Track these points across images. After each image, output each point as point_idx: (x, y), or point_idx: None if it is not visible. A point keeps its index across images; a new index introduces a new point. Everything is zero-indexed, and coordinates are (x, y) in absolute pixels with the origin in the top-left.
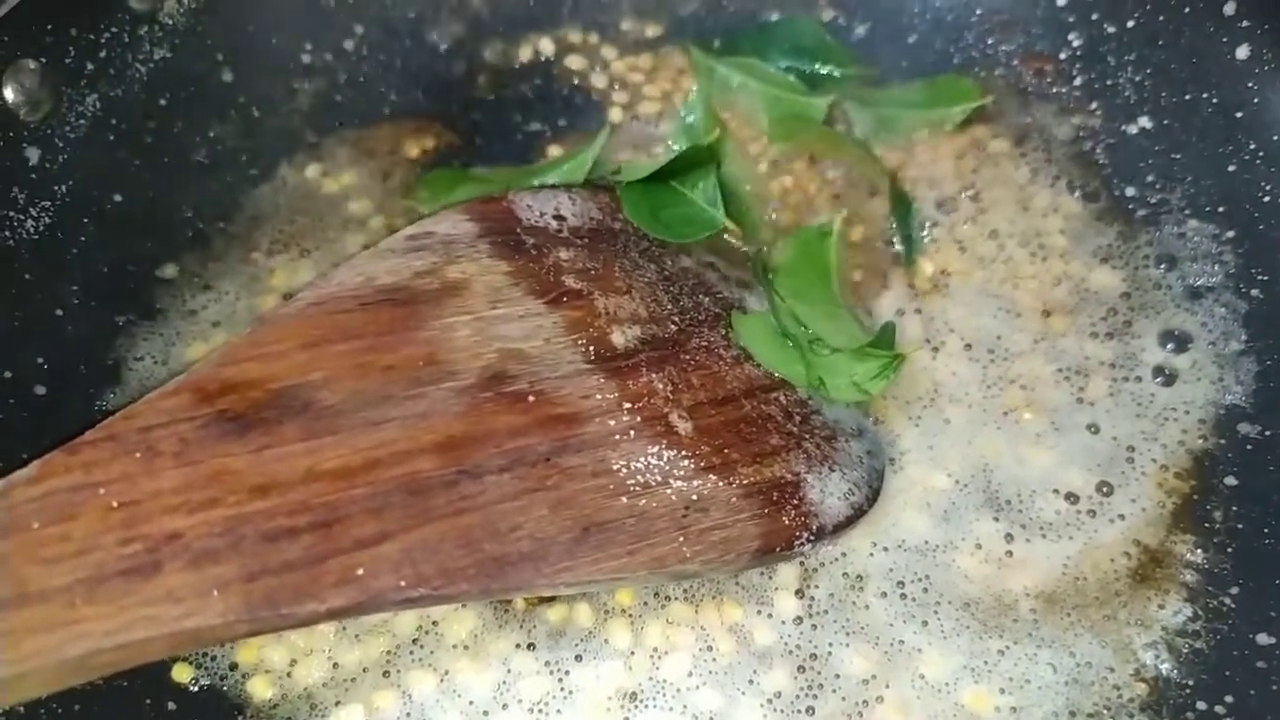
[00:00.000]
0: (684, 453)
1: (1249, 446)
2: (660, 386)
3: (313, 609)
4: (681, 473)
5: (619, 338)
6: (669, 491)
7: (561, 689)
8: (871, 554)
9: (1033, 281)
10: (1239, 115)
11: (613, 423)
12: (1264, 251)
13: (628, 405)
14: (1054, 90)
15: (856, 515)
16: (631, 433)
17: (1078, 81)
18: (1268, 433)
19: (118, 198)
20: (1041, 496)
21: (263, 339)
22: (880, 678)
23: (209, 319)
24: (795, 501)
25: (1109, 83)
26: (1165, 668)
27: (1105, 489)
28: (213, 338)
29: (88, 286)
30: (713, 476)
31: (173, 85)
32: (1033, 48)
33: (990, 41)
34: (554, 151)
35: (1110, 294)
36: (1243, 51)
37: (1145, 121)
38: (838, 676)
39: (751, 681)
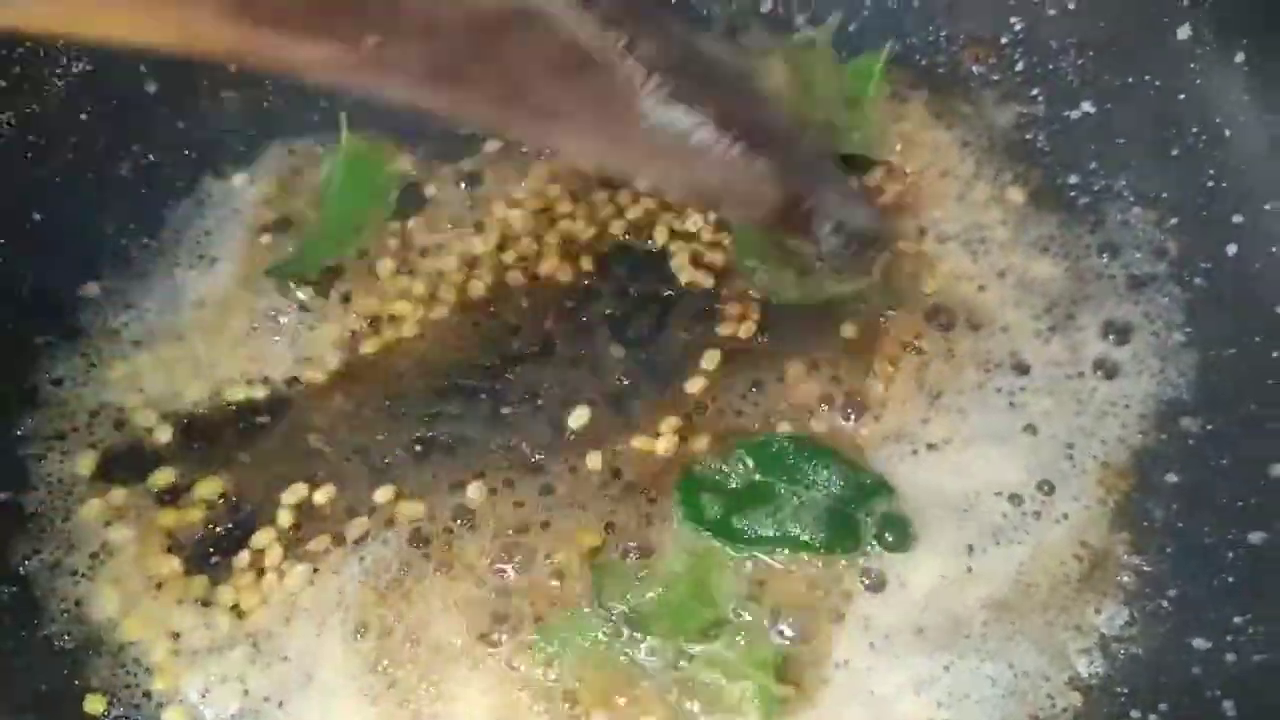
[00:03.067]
0: None
1: (1190, 441)
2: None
3: None
4: None
5: None
6: None
7: None
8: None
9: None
10: (1181, 97)
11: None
12: (1206, 238)
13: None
14: (995, 77)
15: None
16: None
17: (1019, 67)
18: (1209, 427)
19: (37, 216)
20: (986, 500)
21: None
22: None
23: (130, 338)
24: None
25: (1050, 67)
26: (1100, 675)
27: (1046, 488)
28: (134, 357)
29: (5, 307)
30: None
31: (93, 99)
32: (973, 33)
33: (930, 28)
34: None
35: (1052, 286)
36: (1183, 32)
37: (1087, 106)
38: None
39: None
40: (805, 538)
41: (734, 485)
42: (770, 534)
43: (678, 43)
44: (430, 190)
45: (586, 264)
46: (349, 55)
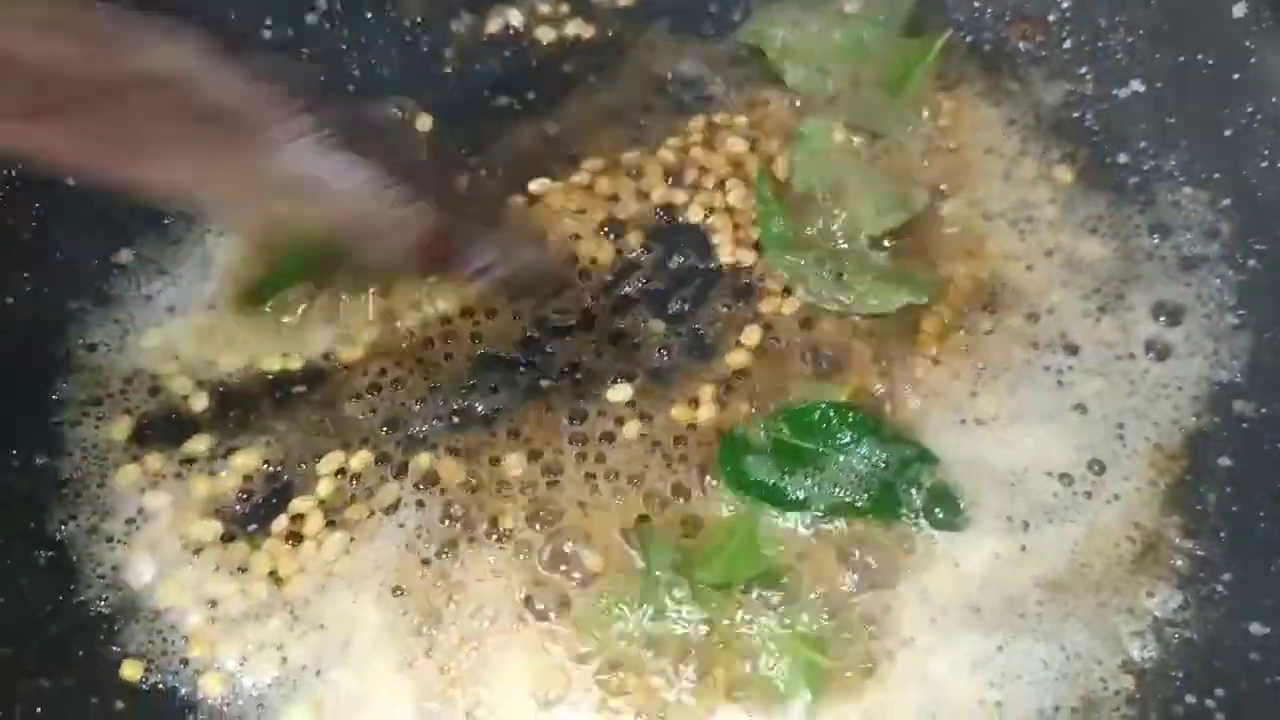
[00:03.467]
0: None
1: (1244, 425)
2: None
3: None
4: None
5: None
6: None
7: None
8: None
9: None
10: (1235, 77)
11: None
12: (1260, 220)
13: None
14: (1043, 54)
15: None
16: None
17: (1067, 45)
18: (1263, 410)
19: (70, 182)
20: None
21: None
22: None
23: (164, 304)
24: None
25: (1100, 45)
26: (1154, 659)
27: (1097, 468)
28: (168, 325)
29: (39, 274)
30: None
31: None
32: (1021, 10)
33: (978, 4)
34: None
35: (1101, 266)
36: (1239, 9)
37: (1137, 85)
38: None
39: None
40: (848, 499)
41: (776, 450)
42: (813, 497)
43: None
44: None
45: (629, 240)
46: (29, 139)
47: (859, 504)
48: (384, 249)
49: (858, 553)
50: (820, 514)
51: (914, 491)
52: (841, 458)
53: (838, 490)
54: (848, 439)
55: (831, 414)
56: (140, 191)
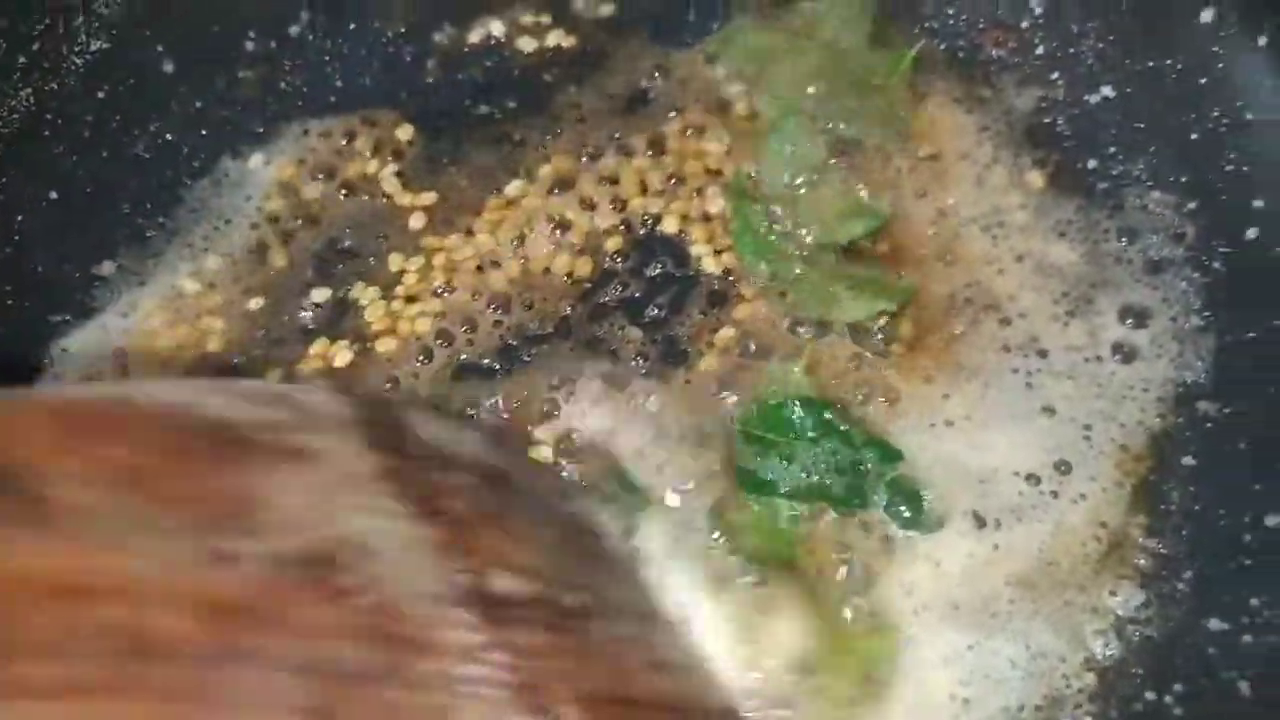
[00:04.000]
0: None
1: (1208, 425)
2: (552, 657)
3: None
4: None
5: (502, 583)
6: None
7: None
8: None
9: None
10: (1203, 81)
11: (472, 671)
12: (1225, 223)
13: (498, 659)
14: (1015, 61)
15: None
16: (493, 692)
17: (1040, 51)
18: (1226, 410)
19: (53, 194)
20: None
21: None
22: None
23: (145, 317)
24: None
25: (1071, 51)
26: (1115, 656)
27: (1064, 468)
28: (153, 338)
29: (21, 287)
30: None
31: (110, 77)
32: (994, 17)
33: (951, 11)
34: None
35: (1071, 270)
36: (1207, 15)
37: (1108, 90)
38: None
39: None
40: (816, 484)
41: (746, 441)
42: (781, 480)
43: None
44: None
45: (607, 248)
46: None
47: (827, 490)
48: None
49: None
50: (788, 497)
51: (880, 486)
52: (810, 449)
53: (806, 476)
54: (814, 434)
55: (799, 409)
56: None
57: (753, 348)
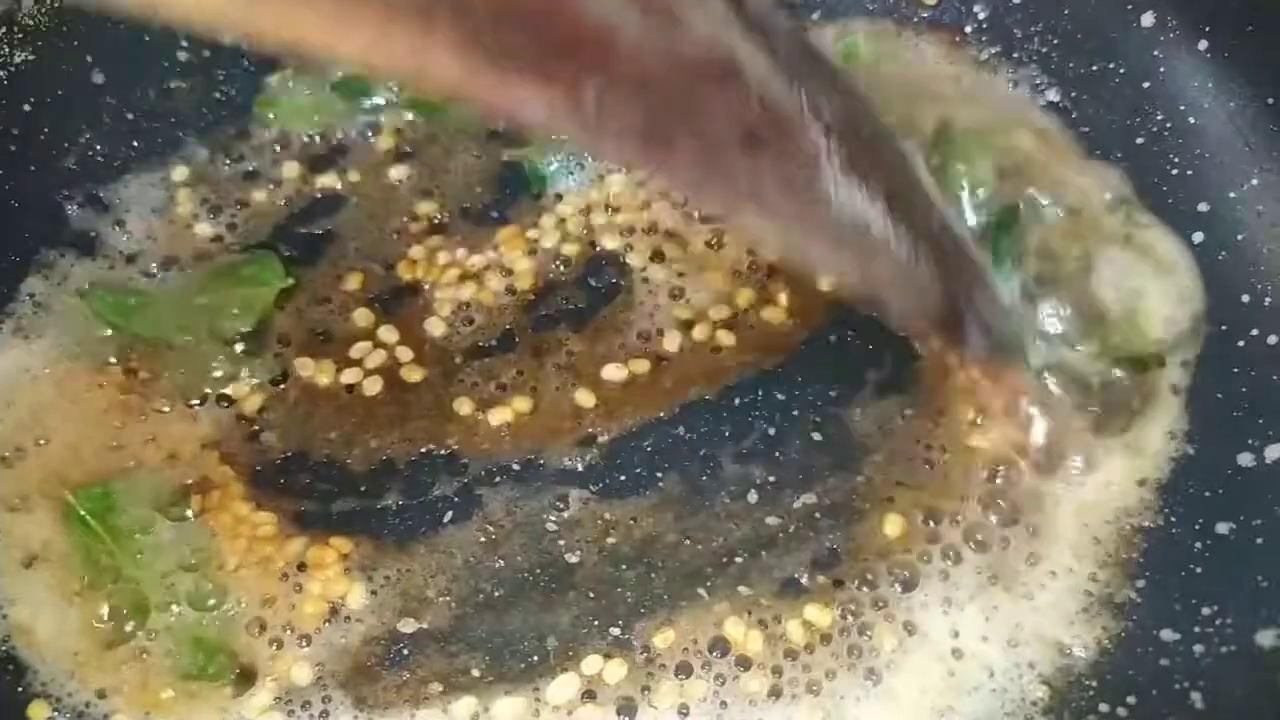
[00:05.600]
0: None
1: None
2: None
3: None
4: None
5: None
6: None
7: None
8: None
9: None
10: (1145, 85)
11: None
12: (1171, 227)
13: None
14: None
15: None
16: None
17: (983, 56)
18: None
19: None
20: None
21: None
22: None
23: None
24: None
25: (1015, 56)
26: (1067, 669)
27: None
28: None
29: None
30: None
31: (37, 90)
32: (938, 20)
33: (894, 16)
34: None
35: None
36: (1147, 19)
37: (1053, 95)
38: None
39: None
40: None
41: None
42: None
43: (844, 95)
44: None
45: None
46: (569, 102)
47: None
48: (909, 312)
49: None
50: None
51: None
52: None
53: None
54: None
55: None
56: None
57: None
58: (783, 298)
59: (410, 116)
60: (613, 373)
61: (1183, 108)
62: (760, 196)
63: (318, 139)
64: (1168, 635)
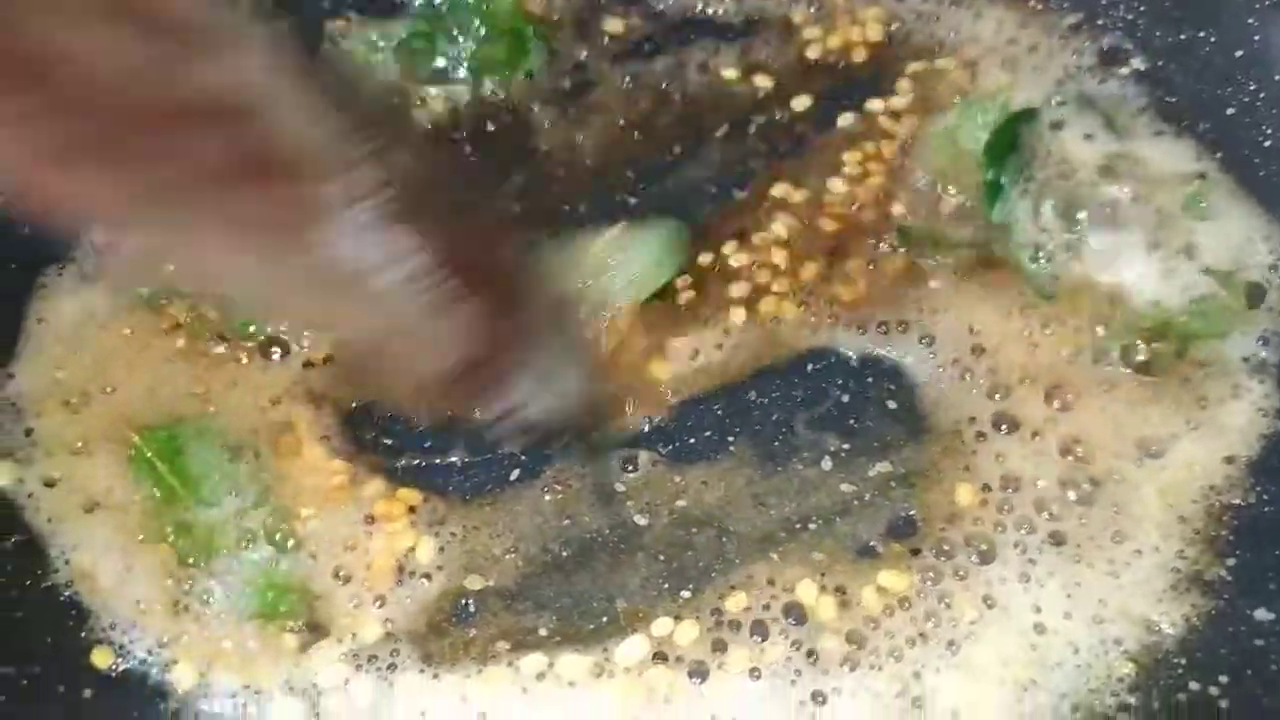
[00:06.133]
0: None
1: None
2: None
3: None
4: None
5: None
6: None
7: None
8: None
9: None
10: (1238, 55)
11: None
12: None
13: None
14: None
15: None
16: None
17: (1067, 21)
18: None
19: None
20: None
21: None
22: None
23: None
24: None
25: (1099, 23)
26: (1156, 646)
27: None
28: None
29: None
30: None
31: None
32: None
33: None
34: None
35: None
36: None
37: (1139, 64)
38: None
39: None
40: None
41: None
42: None
43: (400, 147)
44: None
45: None
46: None
47: None
48: (413, 369)
49: None
50: None
51: None
52: None
53: None
54: None
55: None
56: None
57: None
58: (851, 269)
59: None
60: (683, 344)
61: (1277, 78)
62: (228, 233)
63: None
64: (1262, 615)
